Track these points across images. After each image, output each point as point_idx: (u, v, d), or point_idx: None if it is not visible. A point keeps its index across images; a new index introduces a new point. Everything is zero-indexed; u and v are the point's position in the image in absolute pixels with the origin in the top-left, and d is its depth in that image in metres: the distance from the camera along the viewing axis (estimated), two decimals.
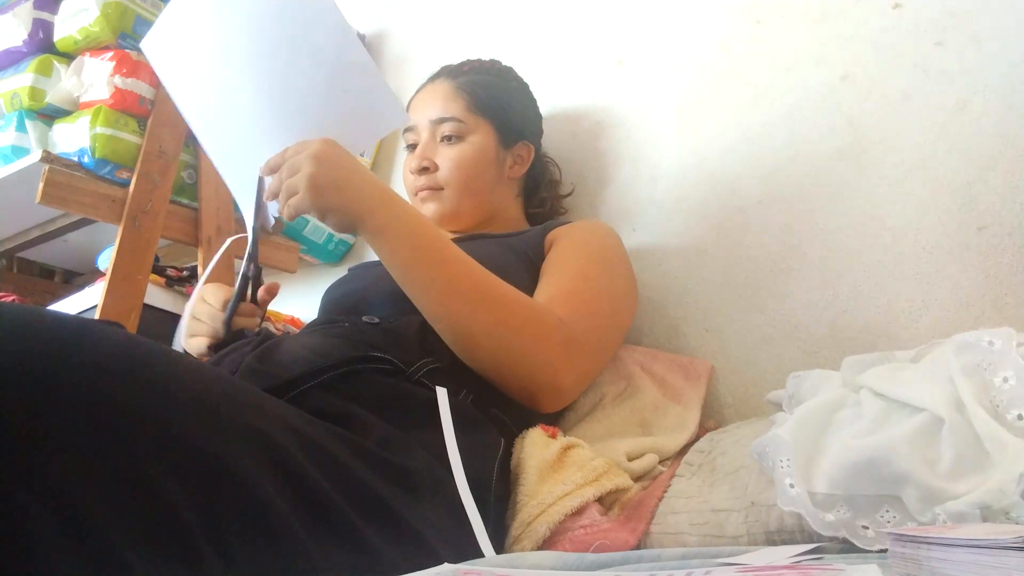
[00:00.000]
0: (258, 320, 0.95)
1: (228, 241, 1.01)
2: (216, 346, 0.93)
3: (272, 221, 0.93)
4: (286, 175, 0.79)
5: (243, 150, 0.89)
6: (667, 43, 1.20)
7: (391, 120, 0.87)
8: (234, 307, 0.91)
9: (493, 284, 0.81)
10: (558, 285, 0.90)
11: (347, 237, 1.52)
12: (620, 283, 0.97)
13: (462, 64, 1.16)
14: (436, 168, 1.08)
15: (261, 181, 0.89)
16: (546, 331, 0.81)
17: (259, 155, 0.87)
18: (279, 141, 0.84)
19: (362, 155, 1.49)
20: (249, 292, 0.94)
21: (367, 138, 0.90)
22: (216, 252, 0.96)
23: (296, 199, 0.78)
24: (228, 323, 0.91)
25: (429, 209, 1.10)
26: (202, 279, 1.00)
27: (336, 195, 0.78)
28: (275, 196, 0.82)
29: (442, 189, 1.08)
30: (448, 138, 1.08)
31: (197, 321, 0.95)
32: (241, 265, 0.93)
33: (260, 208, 0.90)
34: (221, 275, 1.03)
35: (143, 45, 0.88)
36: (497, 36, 1.40)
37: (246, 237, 0.92)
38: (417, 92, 1.16)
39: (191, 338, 0.95)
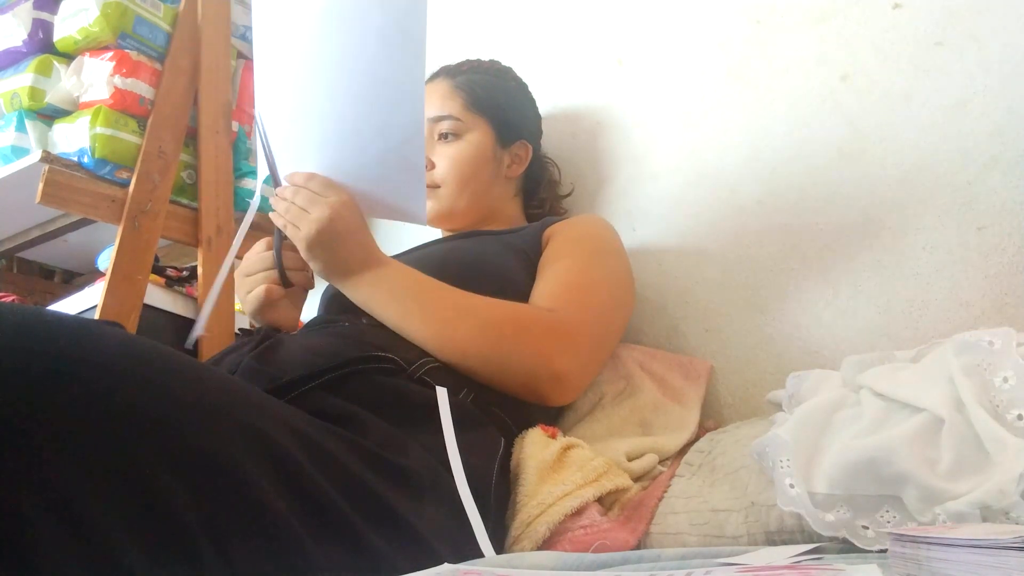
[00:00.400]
0: (310, 275, 0.94)
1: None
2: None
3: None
4: (300, 201, 0.84)
5: (287, 123, 0.90)
6: (667, 43, 1.20)
7: (411, 217, 0.89)
8: (279, 244, 0.91)
9: (469, 298, 0.83)
10: (553, 280, 0.91)
11: None
12: (617, 273, 0.96)
13: (460, 64, 1.16)
14: (433, 166, 1.08)
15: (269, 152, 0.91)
16: (528, 322, 0.82)
17: (293, 138, 0.89)
18: (312, 150, 0.87)
19: None
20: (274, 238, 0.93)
21: (380, 215, 0.91)
22: (221, 250, 0.95)
23: (293, 232, 0.85)
24: (279, 259, 0.90)
25: (427, 208, 1.10)
26: (234, 248, 1.02)
27: (325, 253, 0.84)
28: (280, 212, 0.86)
29: (439, 187, 1.08)
30: (445, 136, 1.08)
31: (248, 278, 0.93)
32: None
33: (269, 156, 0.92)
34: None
35: None
36: (497, 36, 1.40)
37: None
38: None
39: (249, 294, 0.92)
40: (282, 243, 0.91)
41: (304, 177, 0.86)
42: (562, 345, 0.82)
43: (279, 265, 0.91)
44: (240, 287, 0.94)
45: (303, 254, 0.85)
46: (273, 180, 0.93)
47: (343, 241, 0.83)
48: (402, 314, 0.83)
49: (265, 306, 0.91)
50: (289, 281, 0.92)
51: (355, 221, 0.85)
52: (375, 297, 0.85)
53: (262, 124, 0.92)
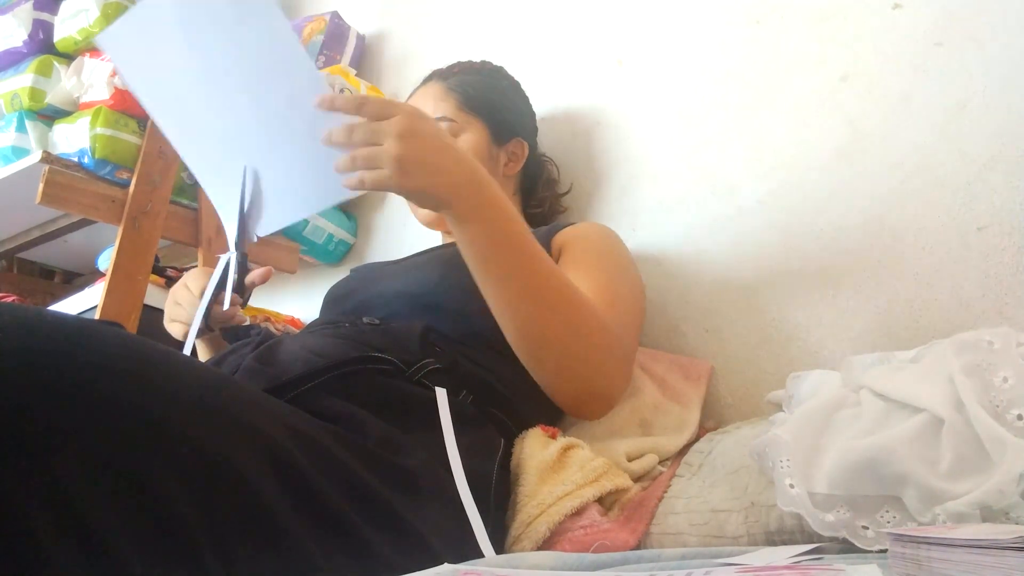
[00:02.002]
0: (238, 310, 0.93)
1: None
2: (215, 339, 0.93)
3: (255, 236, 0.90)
4: (361, 140, 0.72)
5: (214, 137, 0.88)
6: (667, 43, 1.20)
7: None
8: (213, 296, 0.89)
9: (569, 288, 0.79)
10: (591, 292, 0.88)
11: (347, 237, 1.52)
12: (637, 289, 0.97)
13: (452, 66, 1.17)
14: None
15: (245, 173, 0.87)
16: (612, 342, 0.81)
17: (232, 140, 0.85)
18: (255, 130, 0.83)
19: None
20: (231, 281, 0.91)
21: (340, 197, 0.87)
22: (221, 250, 0.94)
23: (378, 175, 0.72)
24: (207, 313, 0.90)
25: (426, 212, 1.10)
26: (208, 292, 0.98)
27: (425, 177, 0.72)
28: (348, 167, 0.74)
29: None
30: None
31: (177, 306, 0.94)
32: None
33: (243, 197, 0.88)
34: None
35: (99, 40, 0.85)
36: (497, 36, 1.40)
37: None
38: (409, 97, 1.17)
39: (171, 323, 0.95)
40: (215, 299, 0.89)
41: (355, 103, 0.73)
42: (626, 372, 0.85)
43: (205, 318, 0.90)
44: (168, 310, 0.96)
45: (401, 195, 0.75)
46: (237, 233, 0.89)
47: (433, 155, 0.72)
48: (505, 271, 0.76)
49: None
50: (209, 323, 0.91)
51: (433, 130, 0.73)
52: (479, 241, 0.76)
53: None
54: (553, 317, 0.78)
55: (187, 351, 0.90)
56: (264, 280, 0.95)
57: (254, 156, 0.86)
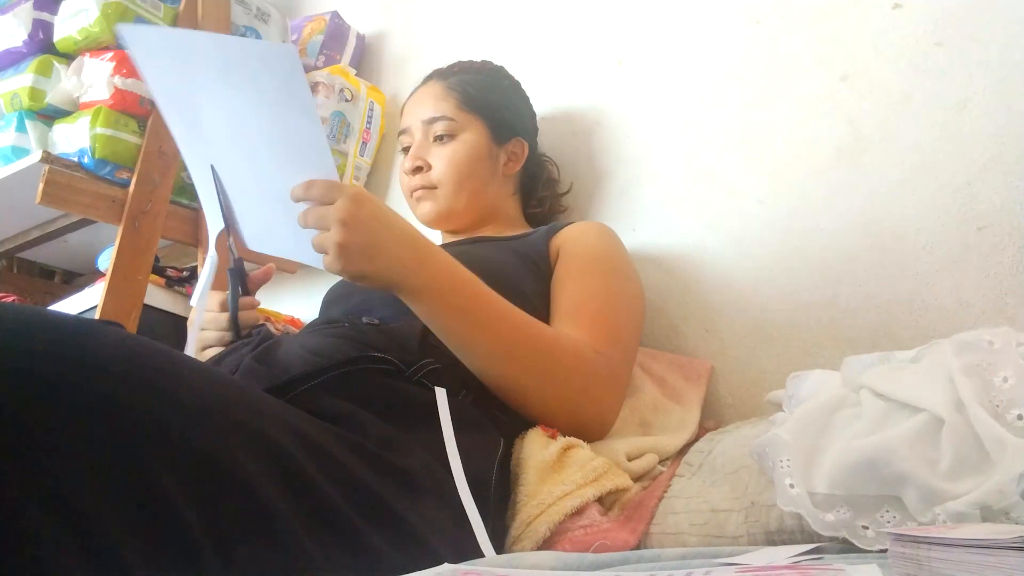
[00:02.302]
0: (257, 313, 0.95)
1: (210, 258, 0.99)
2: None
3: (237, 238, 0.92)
4: (312, 222, 0.75)
5: (211, 151, 0.89)
6: (667, 43, 1.20)
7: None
8: (235, 303, 0.91)
9: (536, 334, 0.80)
10: (583, 308, 0.89)
11: None
12: (636, 295, 0.97)
13: (452, 65, 1.17)
14: (429, 167, 1.08)
15: (215, 173, 0.88)
16: (592, 373, 0.82)
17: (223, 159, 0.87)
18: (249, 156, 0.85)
19: (363, 155, 1.49)
20: (228, 289, 0.94)
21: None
22: (221, 250, 0.95)
23: (327, 260, 0.74)
24: (235, 322, 0.91)
25: (425, 209, 1.10)
26: (196, 291, 0.98)
27: (368, 263, 0.74)
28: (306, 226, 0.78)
29: (436, 188, 1.08)
30: (440, 137, 1.09)
31: (206, 332, 0.94)
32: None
33: (223, 203, 0.90)
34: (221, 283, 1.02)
35: (124, 31, 0.85)
36: (497, 36, 1.40)
37: (224, 234, 0.92)
38: (409, 96, 1.17)
39: (203, 351, 0.94)
40: (238, 300, 0.91)
41: (302, 188, 0.76)
42: (615, 395, 0.85)
43: (235, 324, 0.91)
44: (194, 340, 0.94)
45: (352, 282, 0.76)
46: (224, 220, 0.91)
47: (374, 239, 0.73)
48: (467, 338, 0.78)
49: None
50: (239, 331, 0.92)
51: (374, 213, 0.74)
52: (436, 314, 0.77)
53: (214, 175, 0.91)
54: (524, 369, 0.79)
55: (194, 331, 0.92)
56: (267, 278, 0.96)
57: (248, 186, 0.88)
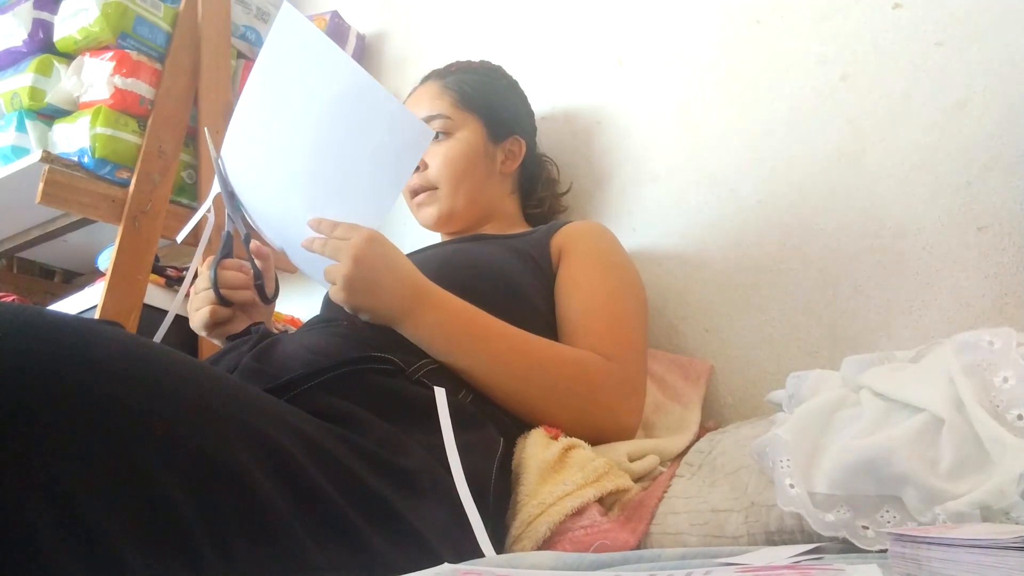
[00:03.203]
0: (248, 278, 0.95)
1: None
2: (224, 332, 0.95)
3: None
4: (329, 253, 0.81)
5: (260, 140, 0.91)
6: (667, 43, 1.20)
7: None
8: (216, 264, 0.91)
9: (535, 349, 0.82)
10: (595, 314, 0.90)
11: None
12: (641, 296, 0.97)
13: (449, 65, 1.17)
14: (426, 167, 1.08)
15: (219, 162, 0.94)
16: (599, 380, 0.83)
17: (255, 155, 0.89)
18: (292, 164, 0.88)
19: None
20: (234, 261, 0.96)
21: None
22: (215, 252, 0.96)
23: (333, 292, 0.81)
24: (215, 281, 0.91)
25: (427, 214, 1.10)
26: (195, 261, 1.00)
27: (369, 298, 0.80)
28: (313, 251, 0.84)
29: (436, 188, 1.08)
30: (437, 136, 1.09)
31: (198, 294, 0.95)
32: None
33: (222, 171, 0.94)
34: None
35: (286, 13, 0.87)
36: (497, 36, 1.40)
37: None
38: (407, 97, 1.17)
39: (194, 313, 0.95)
40: (219, 264, 0.92)
41: (329, 226, 0.83)
42: (629, 400, 0.86)
43: (214, 286, 0.92)
44: (191, 302, 0.97)
45: (349, 310, 0.82)
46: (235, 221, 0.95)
47: (378, 277, 0.80)
48: (467, 363, 0.81)
49: (211, 325, 0.94)
50: (227, 301, 0.93)
51: (382, 254, 0.80)
52: (435, 343, 0.81)
53: (223, 165, 0.95)
54: (526, 383, 0.81)
55: (175, 309, 0.95)
56: (260, 257, 0.96)
57: (285, 196, 0.90)
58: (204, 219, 1.22)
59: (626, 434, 0.85)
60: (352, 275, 0.78)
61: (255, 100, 0.90)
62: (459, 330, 0.81)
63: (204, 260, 0.98)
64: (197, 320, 0.94)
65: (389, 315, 0.81)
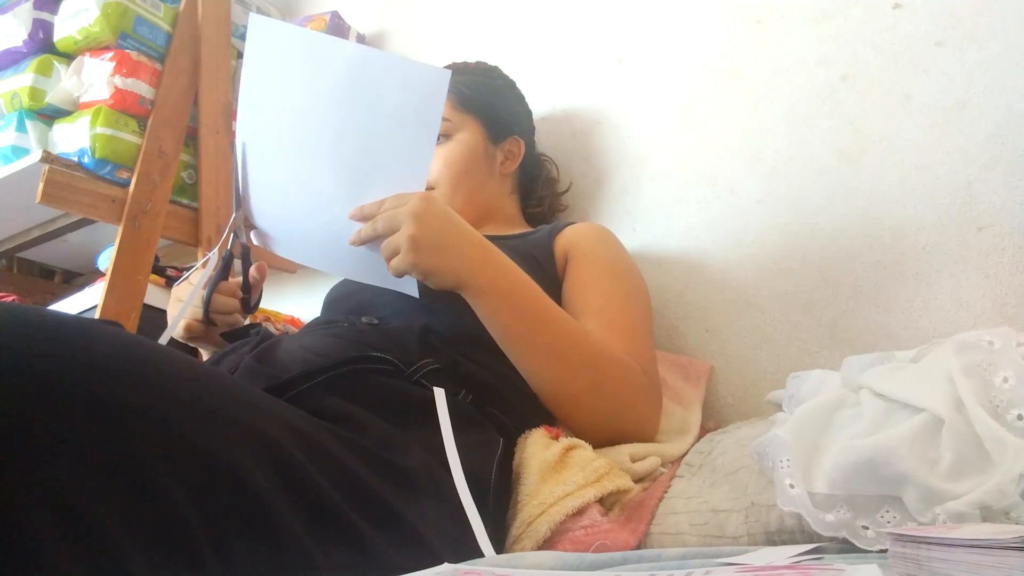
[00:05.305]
0: (238, 311, 0.94)
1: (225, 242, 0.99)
2: (220, 337, 0.93)
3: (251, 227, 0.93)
4: (382, 228, 0.77)
5: (272, 145, 0.88)
6: (667, 43, 1.20)
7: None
8: (213, 285, 0.90)
9: (590, 343, 0.81)
10: (616, 322, 0.89)
11: None
12: (648, 304, 0.97)
13: (447, 67, 1.17)
14: None
15: (243, 158, 0.89)
16: (639, 386, 0.83)
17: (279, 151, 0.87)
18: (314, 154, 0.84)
19: None
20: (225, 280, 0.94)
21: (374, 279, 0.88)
22: (217, 248, 0.95)
23: (397, 260, 0.76)
24: (207, 303, 0.91)
25: None
26: (198, 267, 0.98)
27: (438, 257, 0.76)
28: (361, 244, 0.80)
29: (433, 189, 1.08)
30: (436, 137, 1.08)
31: (179, 303, 0.95)
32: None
33: (243, 189, 0.90)
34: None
35: (254, 21, 0.84)
36: (497, 36, 1.40)
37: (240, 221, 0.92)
38: None
39: (173, 318, 0.95)
40: (215, 286, 0.92)
41: (374, 207, 0.79)
42: (657, 409, 0.86)
43: (206, 308, 0.92)
44: (171, 307, 0.97)
45: (419, 278, 0.78)
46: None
47: (444, 236, 0.76)
48: (525, 340, 0.79)
49: (184, 336, 0.95)
50: (212, 320, 0.93)
51: (443, 212, 0.77)
52: (499, 316, 0.79)
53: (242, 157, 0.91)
54: (578, 376, 0.80)
55: (170, 333, 0.92)
56: (260, 274, 0.95)
57: (302, 189, 0.87)
58: (199, 218, 1.21)
59: (643, 439, 0.85)
60: (416, 234, 0.74)
61: (254, 120, 0.87)
62: (523, 305, 0.79)
63: (202, 265, 0.97)
64: (175, 332, 0.94)
65: (458, 275, 0.77)
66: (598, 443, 0.82)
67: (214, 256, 0.93)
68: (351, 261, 0.86)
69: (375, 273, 0.85)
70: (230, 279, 0.95)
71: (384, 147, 0.80)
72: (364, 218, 0.80)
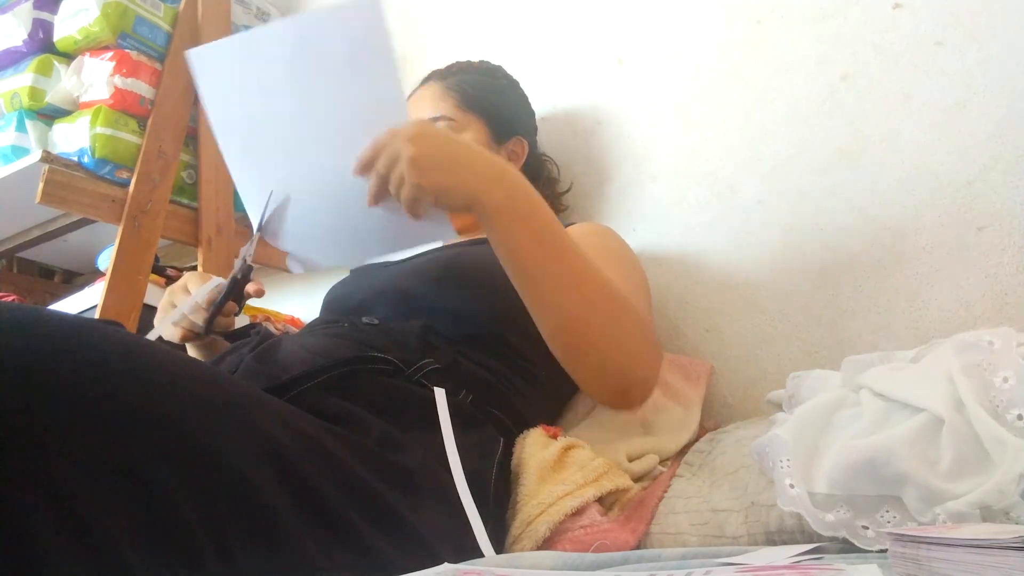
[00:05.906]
0: (233, 320, 0.94)
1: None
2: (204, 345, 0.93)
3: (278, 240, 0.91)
4: (383, 168, 0.73)
5: (262, 156, 0.87)
6: (667, 43, 1.20)
7: (439, 233, 0.82)
8: (219, 307, 0.90)
9: (603, 278, 0.76)
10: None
11: None
12: (648, 292, 0.97)
13: (450, 66, 1.17)
14: None
15: (269, 197, 0.88)
16: (648, 334, 0.79)
17: (277, 163, 0.86)
18: (307, 151, 0.83)
19: None
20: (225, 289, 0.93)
21: (409, 243, 0.87)
22: (221, 250, 0.94)
23: (406, 190, 0.71)
24: (210, 322, 0.90)
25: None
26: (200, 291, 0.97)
27: (444, 174, 0.71)
28: (377, 199, 0.76)
29: None
30: None
31: (175, 308, 0.93)
32: (236, 264, 0.92)
33: (265, 213, 0.89)
34: (222, 271, 1.01)
35: (192, 56, 0.84)
36: (497, 36, 1.40)
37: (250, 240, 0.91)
38: (408, 98, 1.16)
39: (168, 326, 0.93)
40: (219, 308, 0.90)
41: (368, 150, 0.75)
42: (656, 370, 0.82)
43: (208, 326, 0.90)
44: (161, 311, 0.94)
45: (433, 203, 0.72)
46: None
47: (448, 151, 0.72)
48: (538, 266, 0.73)
49: (178, 341, 0.93)
50: (211, 330, 0.91)
51: (441, 131, 0.74)
52: (518, 236, 0.73)
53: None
54: (593, 311, 0.74)
55: (155, 335, 0.91)
56: (258, 295, 0.94)
57: (306, 188, 0.86)
58: (199, 218, 1.21)
59: (647, 393, 0.81)
60: (416, 154, 0.70)
61: (238, 146, 0.86)
62: (538, 229, 0.73)
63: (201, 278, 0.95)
64: (166, 333, 0.93)
65: (470, 191, 0.72)
66: (605, 396, 0.78)
67: (224, 283, 0.92)
68: (384, 237, 0.83)
69: (408, 234, 0.82)
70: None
71: (355, 99, 0.77)
72: (365, 169, 0.76)
